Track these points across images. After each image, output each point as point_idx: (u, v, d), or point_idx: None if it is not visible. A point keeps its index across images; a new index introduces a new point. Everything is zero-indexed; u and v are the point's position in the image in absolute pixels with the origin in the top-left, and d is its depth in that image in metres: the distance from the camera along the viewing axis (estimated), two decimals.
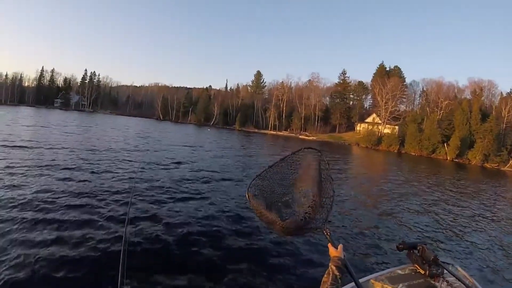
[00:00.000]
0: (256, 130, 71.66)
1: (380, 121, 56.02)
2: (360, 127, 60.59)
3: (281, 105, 73.34)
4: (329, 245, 1.70)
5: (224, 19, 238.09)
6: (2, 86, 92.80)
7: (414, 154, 46.20)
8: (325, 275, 1.55)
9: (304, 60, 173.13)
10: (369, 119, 59.68)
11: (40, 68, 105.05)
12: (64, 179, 10.15)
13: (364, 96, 73.76)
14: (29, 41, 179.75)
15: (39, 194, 8.54)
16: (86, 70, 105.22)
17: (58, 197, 8.46)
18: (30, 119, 36.39)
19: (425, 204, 11.81)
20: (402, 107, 63.05)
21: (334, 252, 1.67)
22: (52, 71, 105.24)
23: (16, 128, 23.97)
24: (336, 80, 73.41)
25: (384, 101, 55.29)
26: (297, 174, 1.98)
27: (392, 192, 13.75)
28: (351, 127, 64.02)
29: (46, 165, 11.86)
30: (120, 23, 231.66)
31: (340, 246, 1.68)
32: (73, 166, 12.32)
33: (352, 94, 72.47)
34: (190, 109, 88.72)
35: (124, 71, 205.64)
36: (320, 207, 1.85)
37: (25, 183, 9.32)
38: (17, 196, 8.10)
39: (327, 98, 75.00)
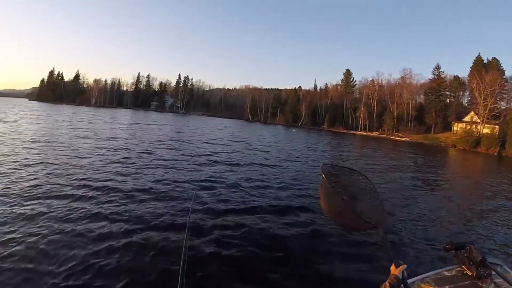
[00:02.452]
0: (345, 131, 75.90)
1: (478, 120, 54.85)
2: (457, 127, 59.24)
3: (372, 104, 76.48)
4: (393, 265, 1.81)
5: (313, 19, 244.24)
6: (102, 91, 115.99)
7: None
8: None
9: (396, 56, 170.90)
10: (467, 118, 58.41)
11: (137, 74, 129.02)
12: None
13: (461, 92, 71.75)
14: (126, 49, 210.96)
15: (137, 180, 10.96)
16: (179, 74, 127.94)
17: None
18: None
19: None
20: (503, 104, 59.54)
21: (393, 269, 1.79)
22: (148, 76, 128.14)
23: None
24: (430, 76, 72.69)
25: (482, 97, 54.16)
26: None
27: (478, 202, 13.40)
28: (447, 127, 62.99)
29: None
30: (213, 29, 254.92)
31: (402, 266, 1.79)
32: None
33: (448, 91, 70.73)
34: (279, 109, 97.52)
35: (217, 75, 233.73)
36: (374, 207, 2.11)
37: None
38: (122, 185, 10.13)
39: (421, 95, 75.07)
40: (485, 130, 52.94)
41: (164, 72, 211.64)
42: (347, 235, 7.38)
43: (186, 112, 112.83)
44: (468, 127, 54.83)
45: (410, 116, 68.51)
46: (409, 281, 2.37)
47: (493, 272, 2.51)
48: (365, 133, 72.79)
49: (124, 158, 15.56)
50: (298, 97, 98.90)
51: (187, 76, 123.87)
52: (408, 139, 61.92)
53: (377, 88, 78.42)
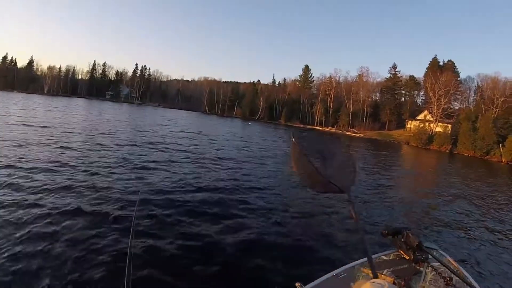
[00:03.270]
0: (302, 126, 75.33)
1: (432, 119, 56.24)
2: (411, 125, 60.74)
3: (329, 100, 76.64)
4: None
5: (273, 13, 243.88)
6: (56, 79, 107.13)
7: (467, 155, 45.72)
8: None
9: (353, 54, 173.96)
10: (421, 116, 59.89)
11: (92, 62, 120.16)
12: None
13: (415, 92, 73.76)
14: (82, 36, 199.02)
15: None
16: (136, 64, 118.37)
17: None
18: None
19: (466, 210, 11.37)
20: (456, 104, 62.58)
21: None
22: (104, 64, 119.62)
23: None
24: (386, 75, 74.50)
25: (436, 97, 55.42)
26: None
27: (431, 193, 14.09)
28: (401, 125, 64.64)
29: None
30: (170, 19, 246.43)
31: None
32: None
33: (403, 90, 72.98)
34: (236, 103, 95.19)
35: (174, 65, 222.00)
36: (344, 172, 2.17)
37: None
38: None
39: (377, 93, 76.43)
40: (438, 129, 54.38)
41: (121, 61, 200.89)
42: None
43: (142, 103, 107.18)
44: (422, 125, 55.99)
45: (365, 113, 69.24)
46: (349, 265, 2.66)
47: (430, 256, 2.62)
48: (321, 128, 72.60)
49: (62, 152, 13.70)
50: (256, 90, 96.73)
51: (144, 65, 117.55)
52: (362, 135, 62.57)
53: (334, 84, 78.74)
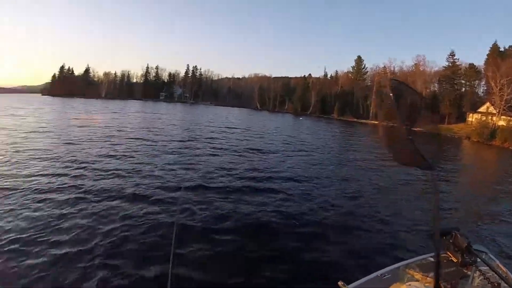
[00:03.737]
0: (355, 120, 75.16)
1: (494, 111, 52.34)
2: (472, 118, 56.84)
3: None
4: None
5: (323, 5, 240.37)
6: (112, 83, 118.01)
7: None
8: None
9: (409, 42, 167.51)
10: (483, 109, 55.99)
11: (146, 66, 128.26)
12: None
13: (476, 81, 68.53)
14: (135, 43, 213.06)
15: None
16: (188, 65, 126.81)
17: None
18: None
19: None
20: None
21: None
22: (157, 67, 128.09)
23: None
24: (444, 63, 70.43)
25: (498, 87, 51.39)
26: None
27: (487, 193, 13.76)
28: (462, 118, 61.27)
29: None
30: (219, 19, 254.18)
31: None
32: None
33: (463, 80, 68.36)
34: (287, 98, 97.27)
35: (226, 64, 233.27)
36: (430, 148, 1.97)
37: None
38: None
39: (435, 84, 73.09)
40: (501, 122, 49.92)
41: (173, 63, 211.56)
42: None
43: (194, 102, 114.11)
44: (483, 118, 52.00)
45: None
46: (394, 266, 2.66)
47: (478, 260, 2.49)
48: (375, 122, 70.54)
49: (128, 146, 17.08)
50: (307, 85, 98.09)
51: (196, 66, 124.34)
52: (421, 129, 60.14)
53: (389, 75, 76.16)
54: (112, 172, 11.31)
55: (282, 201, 9.28)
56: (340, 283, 2.46)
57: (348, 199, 10.11)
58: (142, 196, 8.97)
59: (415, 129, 1.88)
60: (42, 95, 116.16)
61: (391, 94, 1.92)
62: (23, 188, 8.83)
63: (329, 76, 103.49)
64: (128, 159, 13.74)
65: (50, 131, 20.94)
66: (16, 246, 5.68)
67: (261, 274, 5.39)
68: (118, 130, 23.83)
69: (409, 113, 1.97)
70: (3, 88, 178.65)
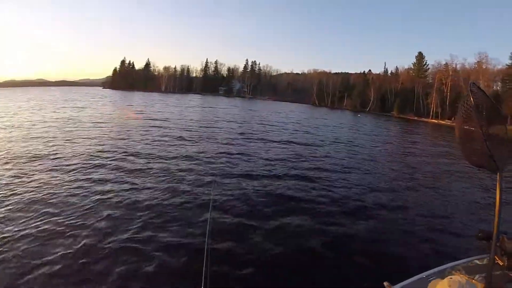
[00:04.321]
0: (415, 118, 74.66)
1: None
2: None
3: (445, 90, 73.66)
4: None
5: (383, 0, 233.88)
6: (172, 77, 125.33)
7: None
8: None
9: (471, 38, 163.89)
10: None
11: (205, 60, 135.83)
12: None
13: None
14: (196, 36, 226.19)
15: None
16: (247, 59, 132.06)
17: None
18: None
19: None
20: None
21: None
22: (216, 62, 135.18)
23: None
24: (508, 61, 67.26)
25: None
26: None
27: None
28: None
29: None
30: (280, 15, 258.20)
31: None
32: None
33: None
34: (346, 94, 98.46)
35: (285, 59, 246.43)
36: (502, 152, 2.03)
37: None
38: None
39: (498, 82, 70.33)
40: None
41: (232, 57, 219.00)
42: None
43: (252, 97, 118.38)
44: None
45: None
46: (440, 268, 2.82)
47: None
48: (436, 121, 70.46)
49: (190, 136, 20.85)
50: (366, 81, 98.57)
51: (255, 61, 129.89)
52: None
53: (450, 73, 75.28)
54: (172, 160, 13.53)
55: (332, 198, 9.86)
56: (385, 283, 2.58)
57: (400, 199, 10.54)
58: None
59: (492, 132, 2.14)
60: (103, 88, 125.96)
61: (471, 98, 2.16)
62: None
63: (389, 72, 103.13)
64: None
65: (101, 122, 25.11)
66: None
67: (302, 271, 5.62)
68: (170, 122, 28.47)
69: (486, 117, 2.17)
70: (66, 81, 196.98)
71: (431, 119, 73.36)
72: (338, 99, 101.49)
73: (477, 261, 2.88)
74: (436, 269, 2.81)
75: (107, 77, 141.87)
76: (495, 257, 2.62)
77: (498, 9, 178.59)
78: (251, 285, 5.16)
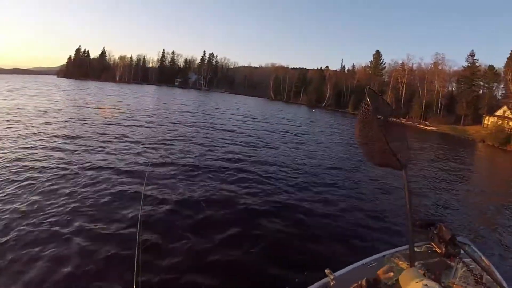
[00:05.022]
0: None
1: (511, 115, 52.58)
2: (488, 121, 56.96)
3: (401, 89, 75.35)
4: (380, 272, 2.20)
5: None
6: (127, 67, 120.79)
7: None
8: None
9: (428, 39, 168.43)
10: (499, 112, 56.04)
11: (161, 51, 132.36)
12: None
13: (495, 84, 67.51)
14: (151, 27, 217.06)
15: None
16: (204, 51, 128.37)
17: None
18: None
19: None
20: None
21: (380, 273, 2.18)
22: (173, 53, 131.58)
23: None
24: (463, 64, 70.05)
25: None
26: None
27: (490, 197, 14.17)
28: (478, 120, 60.91)
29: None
30: (236, 7, 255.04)
31: (390, 274, 2.17)
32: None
33: (482, 81, 67.82)
34: (302, 89, 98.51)
35: (242, 52, 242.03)
36: (402, 149, 2.16)
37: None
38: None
39: (453, 83, 72.92)
40: None
41: (189, 49, 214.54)
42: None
43: (209, 89, 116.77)
44: (500, 122, 52.39)
45: (439, 104, 67.03)
46: (379, 255, 2.77)
47: (462, 251, 2.69)
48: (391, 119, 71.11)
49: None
50: (323, 77, 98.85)
51: (212, 53, 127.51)
52: (435, 128, 60.56)
53: (406, 72, 76.84)
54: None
55: (268, 186, 10.42)
56: (327, 270, 2.59)
57: (339, 189, 11.10)
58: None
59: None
60: (58, 77, 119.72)
61: (368, 101, 2.18)
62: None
63: (346, 69, 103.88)
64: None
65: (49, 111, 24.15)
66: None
67: (245, 260, 5.80)
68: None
69: (384, 119, 2.25)
70: (19, 69, 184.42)
71: None
72: (295, 94, 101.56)
73: (416, 249, 2.81)
74: (375, 256, 2.80)
75: (62, 65, 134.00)
76: (433, 244, 2.75)
77: (458, 12, 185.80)
78: (182, 275, 5.22)
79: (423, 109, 68.67)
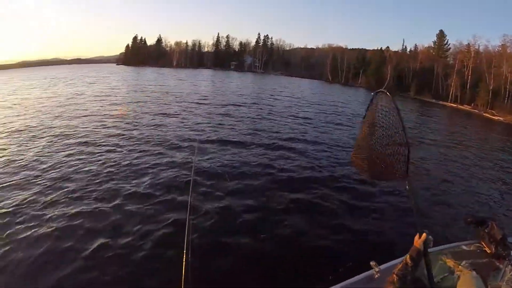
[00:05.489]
0: (433, 101, 73.14)
1: None
2: None
3: (466, 73, 71.74)
4: (417, 235, 1.95)
5: None
6: (183, 52, 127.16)
7: None
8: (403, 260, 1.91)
9: (497, 19, 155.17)
10: None
11: (216, 35, 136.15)
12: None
13: None
14: (205, 13, 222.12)
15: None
16: (259, 34, 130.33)
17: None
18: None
19: None
20: None
21: (416, 240, 1.94)
22: (227, 36, 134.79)
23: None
24: None
25: None
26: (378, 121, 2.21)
27: None
28: None
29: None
30: None
31: (423, 237, 1.91)
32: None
33: None
34: (361, 71, 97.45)
35: (299, 34, 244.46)
36: (396, 155, 2.06)
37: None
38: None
39: None
40: None
41: (245, 32, 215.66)
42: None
43: (264, 72, 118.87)
44: None
45: (507, 92, 62.88)
46: (436, 248, 2.77)
47: None
48: (455, 105, 69.01)
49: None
50: (383, 58, 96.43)
51: (267, 35, 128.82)
52: (502, 118, 56.35)
53: (472, 54, 72.66)
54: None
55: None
56: (372, 263, 2.70)
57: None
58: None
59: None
60: (117, 64, 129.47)
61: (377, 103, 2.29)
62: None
63: (408, 50, 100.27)
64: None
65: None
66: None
67: (291, 248, 5.98)
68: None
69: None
70: (81, 59, 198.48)
71: (450, 102, 71.68)
72: (353, 76, 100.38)
73: (464, 247, 2.93)
74: None
75: (121, 53, 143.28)
76: (483, 243, 2.77)
77: None
78: (232, 256, 5.54)
79: (489, 96, 64.57)
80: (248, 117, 21.47)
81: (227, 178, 8.92)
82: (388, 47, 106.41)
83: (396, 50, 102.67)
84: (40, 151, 11.19)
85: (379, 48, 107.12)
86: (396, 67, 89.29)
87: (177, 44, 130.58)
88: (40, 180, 8.48)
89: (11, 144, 12.25)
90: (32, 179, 8.55)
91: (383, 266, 2.67)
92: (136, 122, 17.22)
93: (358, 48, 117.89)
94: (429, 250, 2.11)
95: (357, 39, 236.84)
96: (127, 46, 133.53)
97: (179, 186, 8.32)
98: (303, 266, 5.38)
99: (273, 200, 7.94)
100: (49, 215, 6.64)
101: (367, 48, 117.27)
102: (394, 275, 1.85)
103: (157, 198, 7.69)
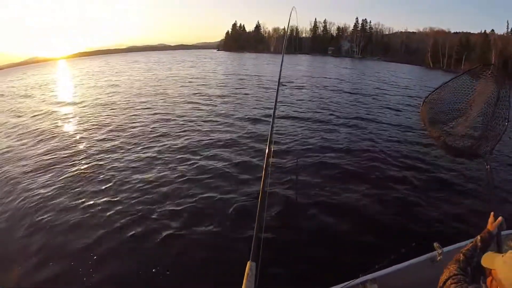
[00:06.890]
0: None
1: None
2: None
3: None
4: (491, 217, 1.90)
5: None
6: (280, 38, 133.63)
7: None
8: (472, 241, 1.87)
9: None
10: None
11: (313, 20, 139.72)
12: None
13: None
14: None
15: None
16: (357, 18, 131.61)
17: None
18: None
19: None
20: None
21: (490, 222, 1.89)
22: (325, 21, 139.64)
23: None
24: None
25: None
26: (471, 96, 2.17)
27: None
28: None
29: None
30: None
31: (498, 221, 1.86)
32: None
33: None
34: (464, 56, 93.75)
35: (398, 17, 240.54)
36: (486, 135, 2.01)
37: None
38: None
39: None
40: None
41: (342, 16, 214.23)
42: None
43: (362, 57, 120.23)
44: None
45: None
46: (503, 233, 2.45)
47: None
48: None
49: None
50: (488, 42, 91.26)
51: (365, 19, 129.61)
52: None
53: None
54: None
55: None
56: (435, 244, 2.68)
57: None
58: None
59: None
60: (217, 50, 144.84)
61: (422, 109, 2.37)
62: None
63: None
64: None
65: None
66: None
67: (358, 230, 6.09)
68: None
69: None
70: (184, 45, 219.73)
71: None
72: (455, 61, 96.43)
73: None
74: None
75: (221, 40, 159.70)
76: None
77: None
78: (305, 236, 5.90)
79: None
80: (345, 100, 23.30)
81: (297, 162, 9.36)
82: (492, 30, 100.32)
83: (502, 33, 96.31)
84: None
85: (482, 31, 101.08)
86: (502, 53, 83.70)
87: (275, 30, 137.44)
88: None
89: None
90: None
91: (446, 249, 2.73)
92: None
93: (461, 32, 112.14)
94: (505, 232, 2.29)
95: (460, 21, 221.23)
96: (227, 32, 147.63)
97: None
98: (367, 246, 5.61)
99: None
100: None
101: (470, 32, 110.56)
102: (461, 254, 1.86)
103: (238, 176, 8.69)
